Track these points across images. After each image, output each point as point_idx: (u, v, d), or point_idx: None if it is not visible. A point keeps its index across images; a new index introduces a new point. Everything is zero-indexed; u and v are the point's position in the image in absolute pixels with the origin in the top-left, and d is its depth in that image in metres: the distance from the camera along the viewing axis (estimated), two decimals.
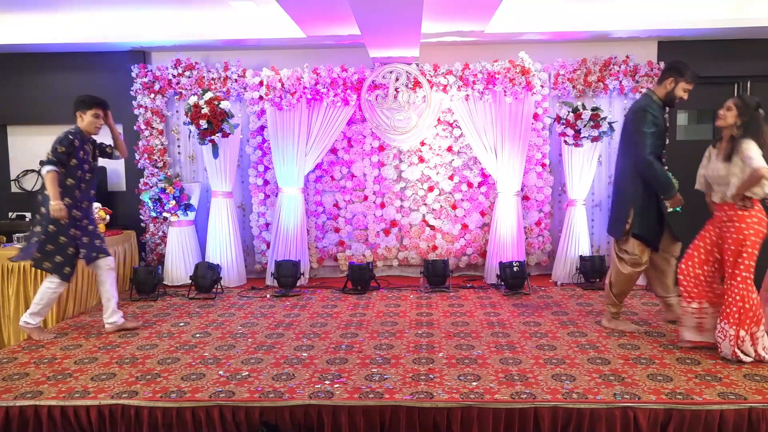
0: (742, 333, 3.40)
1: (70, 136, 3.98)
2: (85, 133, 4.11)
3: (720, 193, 3.52)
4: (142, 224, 6.01)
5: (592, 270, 5.38)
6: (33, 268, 4.55)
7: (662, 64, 5.74)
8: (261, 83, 5.63)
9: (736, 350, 3.41)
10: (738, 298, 3.40)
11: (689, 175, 5.79)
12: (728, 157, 3.44)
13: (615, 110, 5.84)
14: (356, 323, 4.37)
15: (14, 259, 4.23)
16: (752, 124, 3.44)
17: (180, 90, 5.88)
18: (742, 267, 3.40)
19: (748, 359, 3.41)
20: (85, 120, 4.08)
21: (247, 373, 3.38)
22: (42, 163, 3.97)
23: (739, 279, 3.41)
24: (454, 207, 5.90)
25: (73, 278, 4.19)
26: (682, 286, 3.66)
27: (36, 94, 6.10)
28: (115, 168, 6.16)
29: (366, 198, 5.94)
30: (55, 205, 3.83)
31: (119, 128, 6.04)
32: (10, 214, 6.02)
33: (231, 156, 5.64)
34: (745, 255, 3.39)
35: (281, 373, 3.37)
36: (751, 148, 3.36)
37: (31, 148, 6.26)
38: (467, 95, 5.62)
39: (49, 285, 4.03)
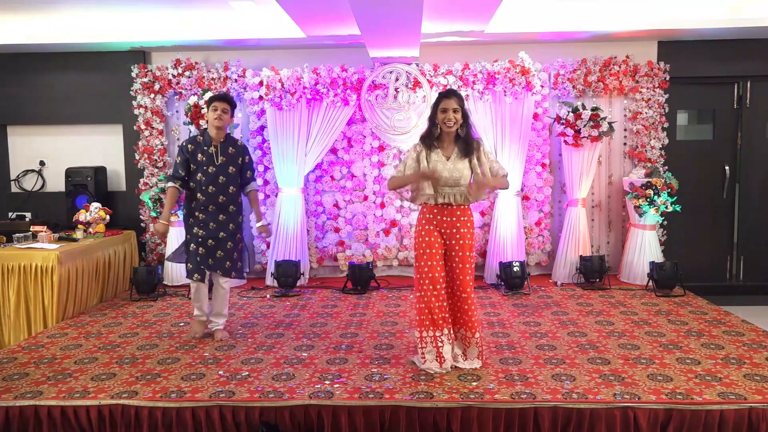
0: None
1: None
2: None
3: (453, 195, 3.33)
4: (142, 224, 6.01)
5: (592, 270, 5.37)
6: (32, 268, 4.56)
7: (662, 64, 5.75)
8: (261, 83, 5.62)
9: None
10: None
11: (689, 175, 5.87)
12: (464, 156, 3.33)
13: (615, 110, 5.84)
14: (356, 323, 4.37)
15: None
16: (466, 116, 3.37)
17: (180, 90, 5.88)
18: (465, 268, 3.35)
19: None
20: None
21: (247, 373, 3.38)
22: None
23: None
24: None
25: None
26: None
27: (36, 94, 6.09)
28: (115, 168, 6.16)
29: (366, 198, 5.93)
30: None
31: (119, 128, 6.13)
32: (10, 214, 6.02)
33: None
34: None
35: (281, 373, 3.37)
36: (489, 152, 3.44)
37: (31, 148, 6.26)
38: (467, 95, 5.61)
39: None
